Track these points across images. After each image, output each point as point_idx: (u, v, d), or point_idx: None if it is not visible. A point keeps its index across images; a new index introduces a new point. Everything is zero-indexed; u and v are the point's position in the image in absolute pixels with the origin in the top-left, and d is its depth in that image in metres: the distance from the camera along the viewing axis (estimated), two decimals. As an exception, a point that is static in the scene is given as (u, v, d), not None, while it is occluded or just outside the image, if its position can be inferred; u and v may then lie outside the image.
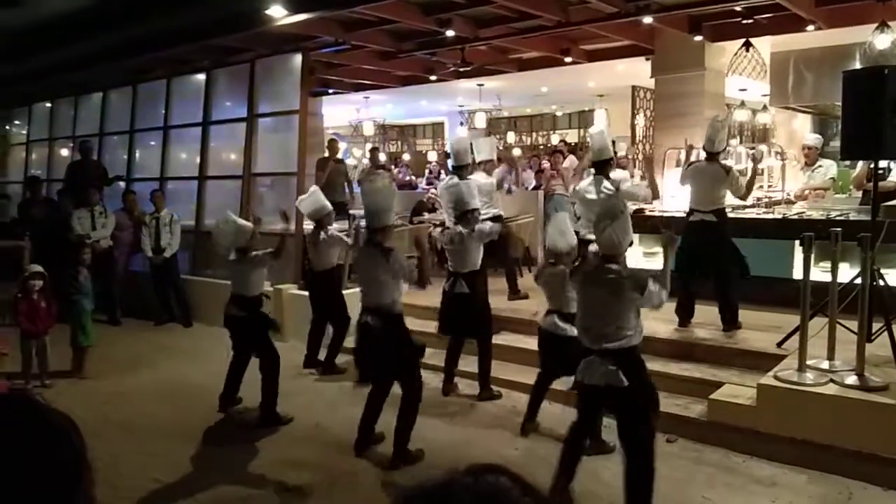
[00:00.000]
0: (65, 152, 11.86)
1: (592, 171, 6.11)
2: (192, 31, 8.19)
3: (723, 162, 5.93)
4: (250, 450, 4.74)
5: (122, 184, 10.03)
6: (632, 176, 9.10)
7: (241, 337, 5.30)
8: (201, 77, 9.51)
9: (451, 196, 5.81)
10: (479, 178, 6.71)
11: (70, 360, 6.43)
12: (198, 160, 9.43)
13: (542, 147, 19.12)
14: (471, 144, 6.77)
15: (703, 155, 6.02)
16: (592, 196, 5.82)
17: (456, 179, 6.29)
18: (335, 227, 6.65)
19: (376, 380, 4.61)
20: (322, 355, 6.46)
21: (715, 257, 5.81)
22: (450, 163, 6.74)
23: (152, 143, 10.36)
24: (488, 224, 5.82)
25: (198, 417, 5.26)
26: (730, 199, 6.18)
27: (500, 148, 19.24)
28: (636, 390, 3.43)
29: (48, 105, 12.36)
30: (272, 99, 8.68)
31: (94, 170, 9.79)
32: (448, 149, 7.21)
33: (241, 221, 5.43)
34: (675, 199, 7.77)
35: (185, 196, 9.49)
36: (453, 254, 5.57)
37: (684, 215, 6.06)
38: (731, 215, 6.84)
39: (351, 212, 8.73)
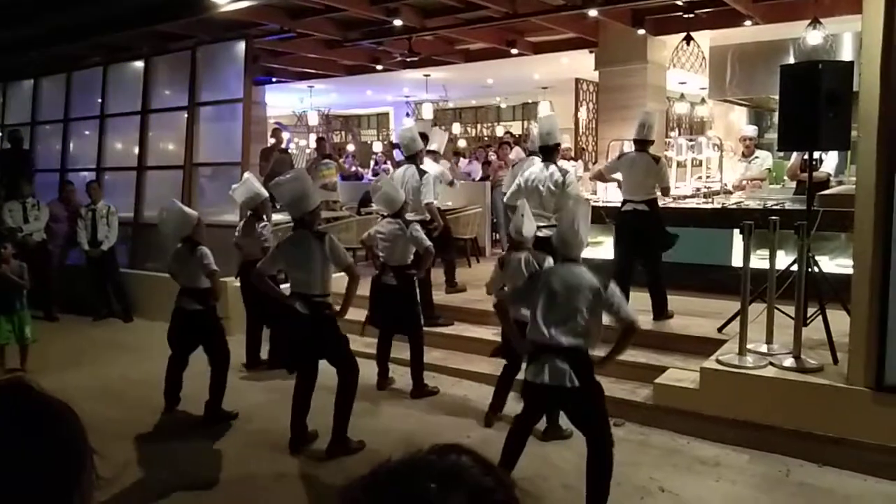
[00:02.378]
0: (-7, 141, 11.34)
1: (537, 158, 6.08)
2: (131, 17, 7.92)
3: (652, 153, 6.00)
4: (195, 448, 4.63)
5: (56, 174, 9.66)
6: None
7: (189, 331, 5.11)
8: (140, 64, 9.21)
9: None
10: (429, 166, 6.70)
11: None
12: (136, 150, 9.15)
13: (486, 138, 19.24)
14: (420, 133, 6.73)
15: (629, 147, 6.11)
16: (543, 186, 5.78)
17: (413, 169, 6.29)
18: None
19: (301, 367, 4.47)
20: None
21: (647, 246, 5.92)
22: (396, 153, 6.68)
23: (87, 132, 9.99)
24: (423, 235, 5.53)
25: (140, 415, 5.11)
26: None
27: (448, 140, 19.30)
28: (584, 392, 3.40)
29: (-26, 92, 11.78)
30: (214, 87, 8.46)
31: (24, 160, 9.39)
32: (396, 139, 7.11)
33: (187, 210, 5.23)
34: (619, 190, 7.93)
35: (124, 187, 9.19)
36: (385, 246, 5.45)
37: (619, 205, 6.15)
38: (671, 205, 7.02)
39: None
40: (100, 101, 9.61)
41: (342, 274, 4.56)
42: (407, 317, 5.45)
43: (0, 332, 6.09)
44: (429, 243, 5.41)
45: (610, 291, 3.45)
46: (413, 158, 6.37)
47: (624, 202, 6.02)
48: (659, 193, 6.00)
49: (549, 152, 5.77)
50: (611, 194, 8.12)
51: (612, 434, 3.54)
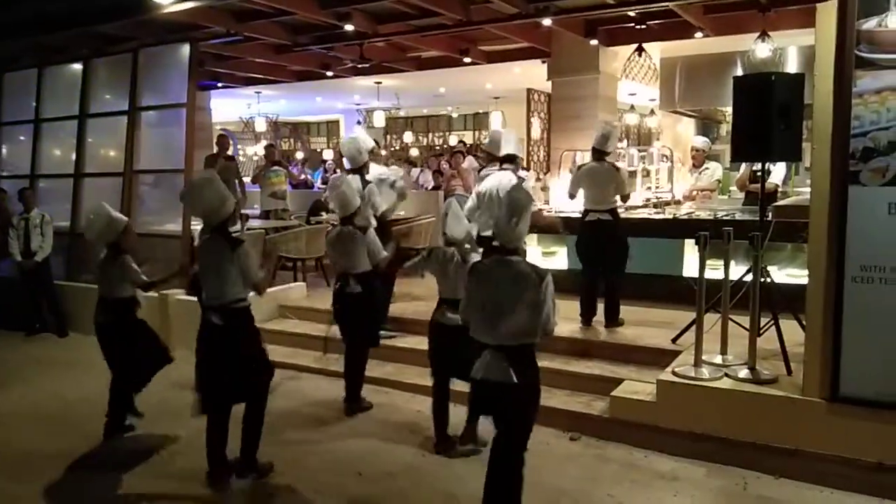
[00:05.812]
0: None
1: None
2: (70, 17, 7.56)
3: (611, 161, 6.03)
4: (128, 476, 4.33)
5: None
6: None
7: (108, 345, 4.82)
8: (78, 67, 8.82)
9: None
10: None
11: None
12: (74, 156, 8.74)
13: (438, 147, 19.18)
14: (376, 140, 6.60)
15: (587, 157, 6.12)
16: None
17: (357, 180, 6.12)
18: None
19: (218, 395, 4.11)
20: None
21: (609, 255, 5.93)
22: (346, 162, 6.47)
23: (21, 137, 9.53)
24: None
25: (75, 440, 4.79)
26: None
27: (396, 148, 19.20)
28: (522, 390, 3.28)
29: None
30: (157, 91, 8.14)
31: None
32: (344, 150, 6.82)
33: (115, 214, 4.83)
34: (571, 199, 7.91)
35: (60, 195, 8.77)
36: (344, 253, 5.29)
37: (580, 215, 6.13)
38: (623, 215, 7.02)
39: (243, 211, 8.33)
40: (34, 104, 9.18)
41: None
42: (362, 326, 5.31)
43: None
44: (386, 254, 5.28)
45: (545, 285, 3.26)
46: (359, 170, 6.21)
47: (586, 212, 5.99)
48: (619, 202, 6.00)
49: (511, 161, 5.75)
50: (564, 204, 8.11)
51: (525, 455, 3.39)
